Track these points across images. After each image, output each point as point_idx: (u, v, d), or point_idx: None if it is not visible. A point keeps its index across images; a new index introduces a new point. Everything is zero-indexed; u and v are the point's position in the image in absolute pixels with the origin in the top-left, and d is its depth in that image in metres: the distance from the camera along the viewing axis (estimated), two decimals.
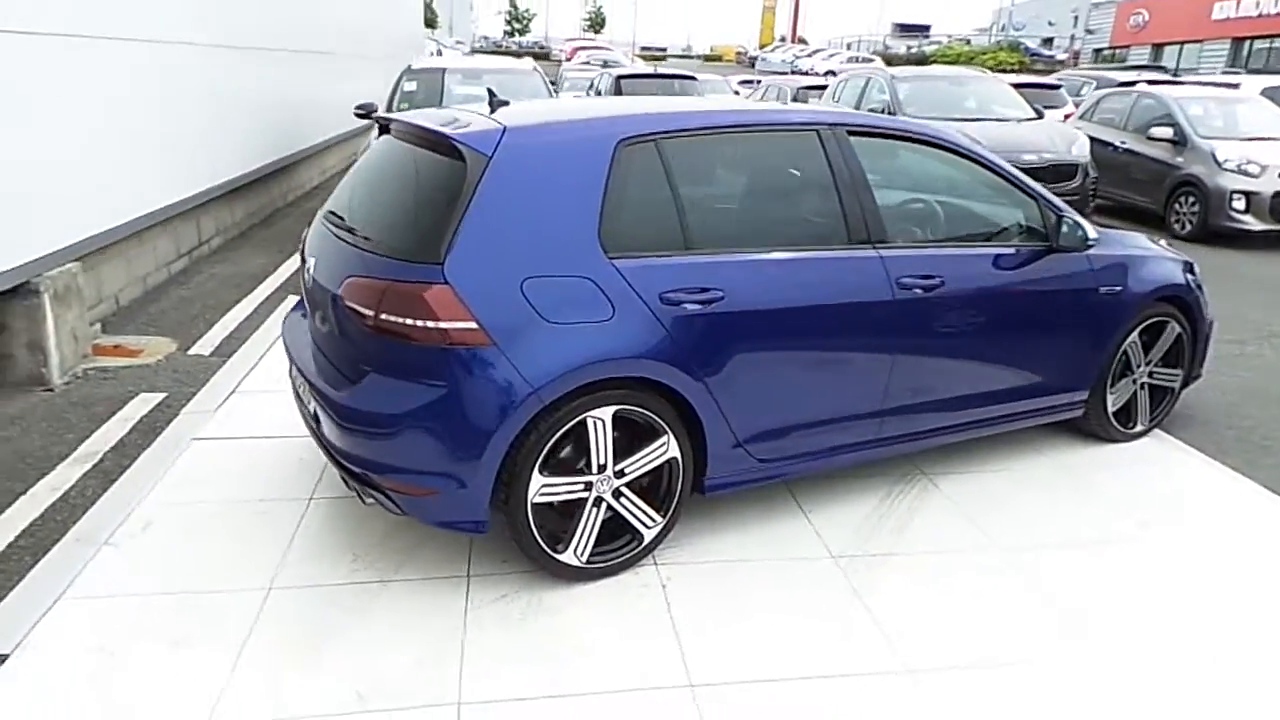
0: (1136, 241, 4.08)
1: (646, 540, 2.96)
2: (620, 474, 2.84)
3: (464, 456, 2.60)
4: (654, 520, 2.95)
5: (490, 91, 3.17)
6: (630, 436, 2.86)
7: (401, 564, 2.96)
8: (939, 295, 3.27)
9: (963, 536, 3.25)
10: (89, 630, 2.60)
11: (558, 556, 2.81)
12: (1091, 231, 3.63)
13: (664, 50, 68.48)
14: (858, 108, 9.67)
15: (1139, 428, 4.12)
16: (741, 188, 3.21)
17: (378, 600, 2.78)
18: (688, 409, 2.88)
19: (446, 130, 2.74)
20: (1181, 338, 4.08)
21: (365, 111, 6.85)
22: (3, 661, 2.46)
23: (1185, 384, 4.22)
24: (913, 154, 3.51)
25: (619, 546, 2.93)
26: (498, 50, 49.99)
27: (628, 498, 2.89)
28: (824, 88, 12.35)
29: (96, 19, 5.09)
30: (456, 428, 2.60)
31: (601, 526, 2.86)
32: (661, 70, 13.98)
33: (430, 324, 2.55)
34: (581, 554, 2.85)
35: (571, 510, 2.82)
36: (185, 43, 6.41)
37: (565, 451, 2.76)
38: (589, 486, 2.81)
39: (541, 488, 2.72)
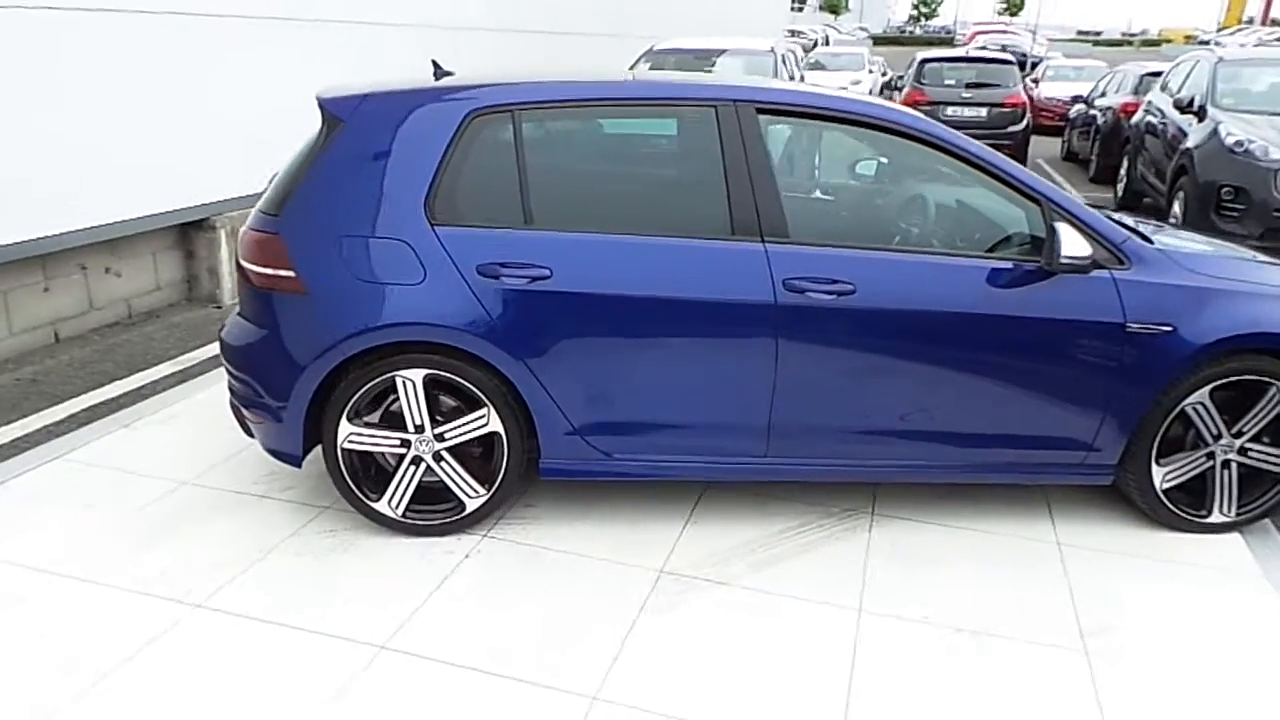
0: (1231, 267, 3.06)
1: (469, 509, 2.98)
2: (440, 438, 2.90)
3: (277, 394, 2.85)
4: (476, 491, 2.96)
5: (434, 63, 3.32)
6: (454, 403, 2.90)
7: (284, 485, 3.30)
8: (849, 305, 2.80)
9: (831, 588, 2.78)
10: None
11: (372, 504, 2.96)
12: (1132, 250, 2.84)
13: (1098, 34, 60.80)
14: (1177, 94, 8.05)
15: (1218, 517, 3.12)
16: (603, 165, 3.01)
17: (233, 509, 3.15)
18: (513, 386, 2.84)
19: (322, 96, 2.96)
20: None
21: None
22: None
23: None
24: (867, 140, 3.00)
25: (441, 510, 2.99)
26: (899, 37, 48.26)
27: (449, 463, 2.93)
28: None
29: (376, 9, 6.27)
30: (273, 367, 2.85)
31: (423, 487, 2.95)
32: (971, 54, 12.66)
33: (260, 269, 2.82)
34: (397, 507, 2.96)
35: (393, 463, 2.94)
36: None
37: (378, 406, 2.89)
38: (406, 444, 2.91)
39: (350, 435, 2.88)
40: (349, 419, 2.87)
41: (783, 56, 8.35)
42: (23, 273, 4.57)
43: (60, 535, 2.96)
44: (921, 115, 2.94)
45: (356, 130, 2.84)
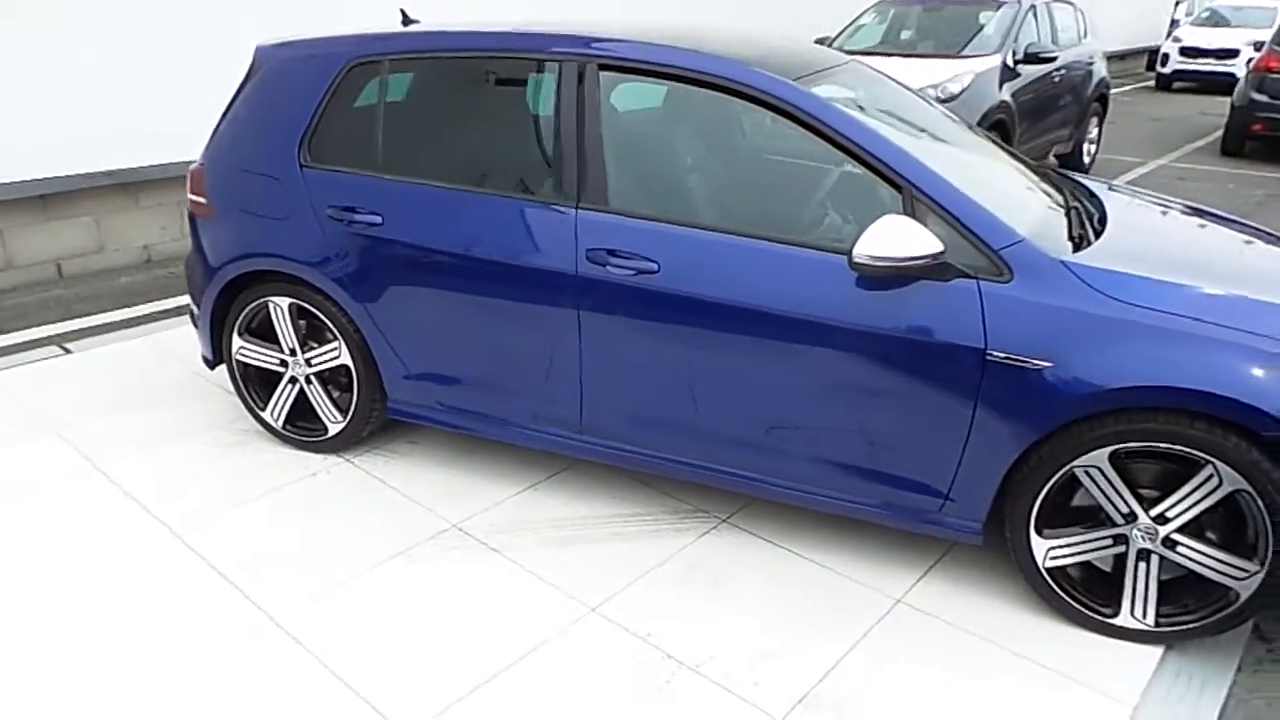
0: (1189, 299, 2.25)
1: (331, 433, 3.21)
2: (309, 363, 3.16)
3: (197, 304, 3.29)
4: (335, 416, 3.18)
5: (402, 11, 3.48)
6: (318, 333, 3.13)
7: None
8: (649, 285, 2.54)
9: (589, 581, 2.60)
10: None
11: (259, 411, 3.31)
12: (1026, 258, 2.25)
13: None
14: None
15: (1129, 620, 2.38)
16: (450, 115, 2.92)
17: (203, 399, 3.68)
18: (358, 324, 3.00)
19: (259, 44, 3.26)
20: (1249, 502, 2.17)
21: None
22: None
23: (1271, 592, 2.23)
24: (718, 104, 2.61)
25: (309, 428, 3.26)
26: None
27: (317, 388, 3.18)
28: None
29: None
30: (195, 281, 3.28)
31: (296, 406, 3.24)
32: None
33: (191, 195, 3.25)
34: (277, 418, 3.28)
35: (278, 379, 3.26)
36: None
37: (261, 324, 3.20)
38: (284, 364, 3.21)
39: (240, 348, 3.24)
40: (238, 333, 3.23)
41: (1035, 7, 7.21)
42: None
43: None
44: (788, 82, 2.51)
45: (266, 75, 3.12)
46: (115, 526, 2.85)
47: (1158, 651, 2.39)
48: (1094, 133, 8.48)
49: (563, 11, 4.01)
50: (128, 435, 3.40)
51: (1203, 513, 2.26)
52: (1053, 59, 7.04)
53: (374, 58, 2.95)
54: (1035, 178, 3.06)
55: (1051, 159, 7.77)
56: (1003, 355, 2.26)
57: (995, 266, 2.29)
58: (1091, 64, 8.11)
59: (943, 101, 6.23)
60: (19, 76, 4.79)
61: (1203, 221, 3.05)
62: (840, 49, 7.44)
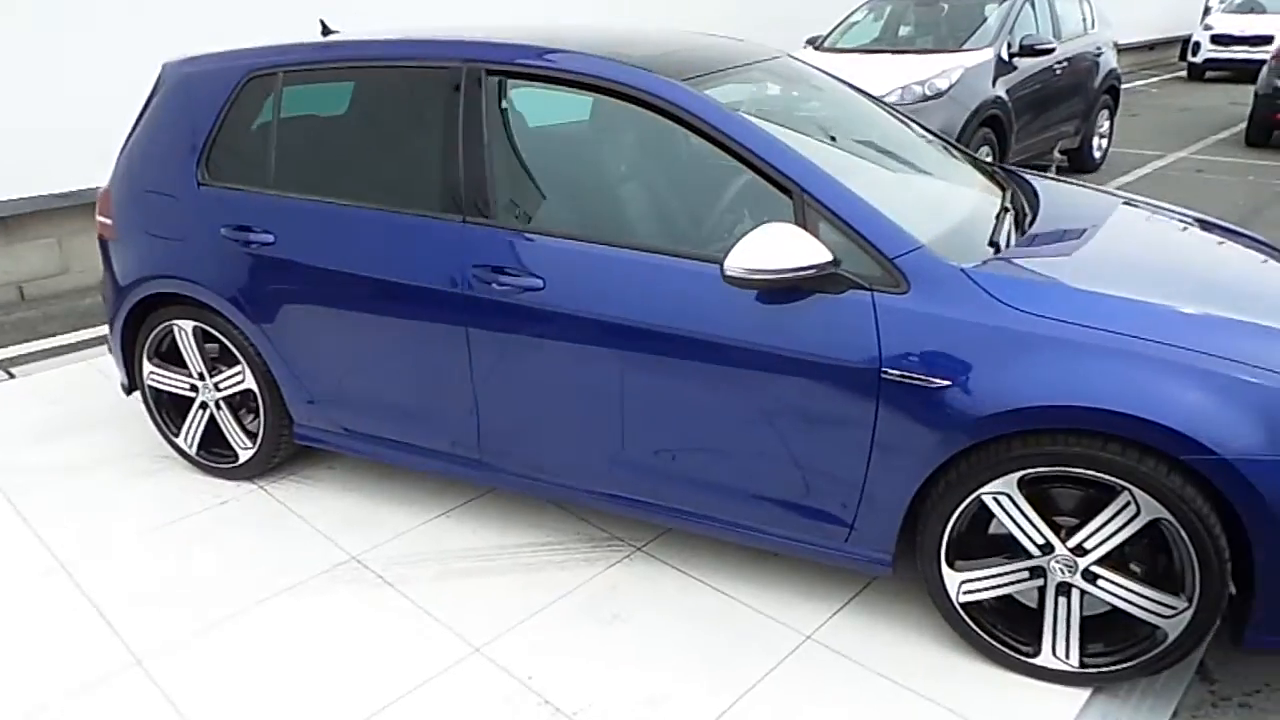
0: (1105, 310, 2.03)
1: (241, 459, 3.10)
2: (217, 387, 3.05)
3: (110, 327, 3.20)
4: (245, 443, 3.07)
5: (321, 22, 3.38)
6: (222, 356, 3.02)
7: None
8: (533, 304, 2.39)
9: (480, 617, 2.45)
10: None
11: (174, 439, 3.21)
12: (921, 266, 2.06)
13: None
14: None
15: (1051, 660, 2.17)
16: (341, 129, 2.78)
17: (120, 425, 3.60)
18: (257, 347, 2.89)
19: (165, 60, 3.17)
20: (1173, 533, 1.95)
21: None
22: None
23: (1197, 628, 2.00)
24: (610, 109, 2.44)
25: (222, 454, 3.15)
26: None
27: (226, 413, 3.08)
28: None
29: None
30: (107, 303, 3.20)
31: (209, 432, 3.14)
32: None
33: (98, 216, 3.17)
34: (191, 444, 3.18)
35: (190, 405, 3.16)
36: None
37: (170, 348, 3.10)
38: (195, 389, 3.11)
39: (150, 373, 3.15)
40: (148, 358, 3.14)
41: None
42: None
43: None
44: (673, 83, 2.33)
45: (167, 92, 3.03)
46: (1, 556, 2.77)
47: (1084, 694, 2.17)
48: (1104, 126, 8.15)
49: (520, 14, 3.89)
50: (48, 462, 3.32)
51: (1125, 544, 2.05)
52: (1051, 50, 6.75)
53: (269, 70, 2.84)
54: (980, 180, 2.86)
55: (1056, 154, 7.46)
56: (898, 373, 2.07)
57: (891, 276, 2.10)
58: (1100, 55, 7.79)
59: (929, 99, 6.01)
60: None
61: (1177, 228, 2.79)
62: (831, 48, 7.26)
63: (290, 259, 2.73)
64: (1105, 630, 2.15)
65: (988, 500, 2.10)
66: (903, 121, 3.11)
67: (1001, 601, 2.22)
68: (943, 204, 2.55)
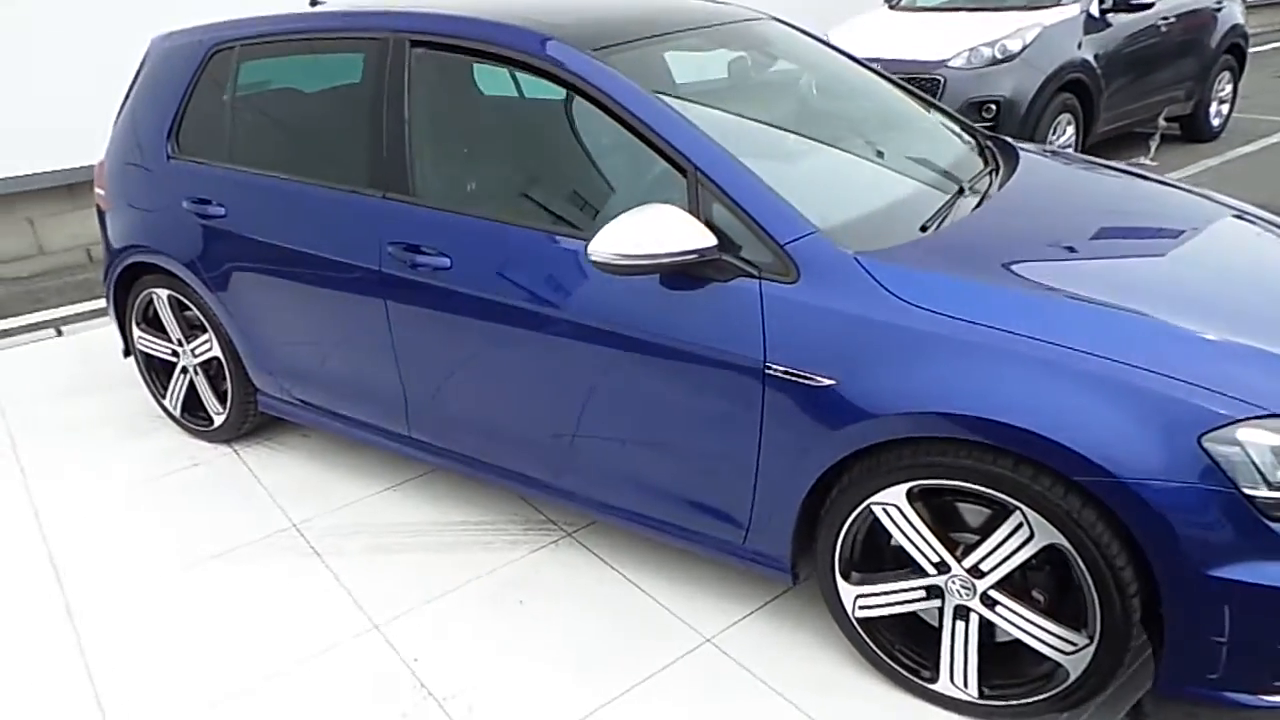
0: (1012, 305, 1.79)
1: (215, 424, 3.21)
2: (193, 353, 3.16)
3: (106, 295, 3.36)
4: (218, 408, 3.18)
5: None
6: (194, 323, 3.12)
7: None
8: (442, 284, 2.34)
9: (383, 594, 2.46)
10: None
11: (161, 399, 3.36)
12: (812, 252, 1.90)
13: None
14: None
15: (949, 688, 1.98)
16: (287, 102, 2.77)
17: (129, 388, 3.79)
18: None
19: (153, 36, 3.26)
20: (1073, 563, 1.73)
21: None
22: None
23: (1101, 668, 1.77)
24: (525, 81, 2.33)
25: (200, 417, 3.28)
26: None
27: (203, 378, 3.19)
28: None
29: None
30: (104, 270, 3.35)
31: (190, 395, 3.26)
32: None
33: (95, 188, 3.32)
34: (175, 406, 3.32)
35: (174, 369, 3.29)
36: None
37: (154, 315, 3.23)
38: (175, 354, 3.23)
39: (139, 338, 3.29)
40: (137, 324, 3.28)
41: None
42: None
43: None
44: (576, 51, 2.20)
45: (149, 66, 3.13)
46: None
47: None
48: (1225, 90, 7.34)
49: None
50: (60, 417, 3.54)
51: (1025, 570, 1.84)
52: (1151, 4, 6.11)
53: (229, 44, 2.89)
54: (958, 155, 2.60)
55: (1161, 122, 6.78)
56: (783, 369, 1.91)
57: (781, 263, 1.93)
58: (1219, 9, 6.99)
59: (999, 62, 5.55)
60: None
61: (1177, 218, 2.44)
62: (909, 7, 6.82)
63: (239, 232, 2.78)
64: (1009, 660, 1.94)
65: (877, 511, 1.92)
66: (902, 91, 2.88)
67: (904, 620, 2.05)
68: (884, 183, 2.34)
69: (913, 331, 1.80)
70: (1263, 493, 1.60)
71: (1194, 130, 7.21)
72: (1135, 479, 1.62)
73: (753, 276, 1.95)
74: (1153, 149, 6.83)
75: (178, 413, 3.33)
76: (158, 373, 3.36)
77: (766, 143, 2.37)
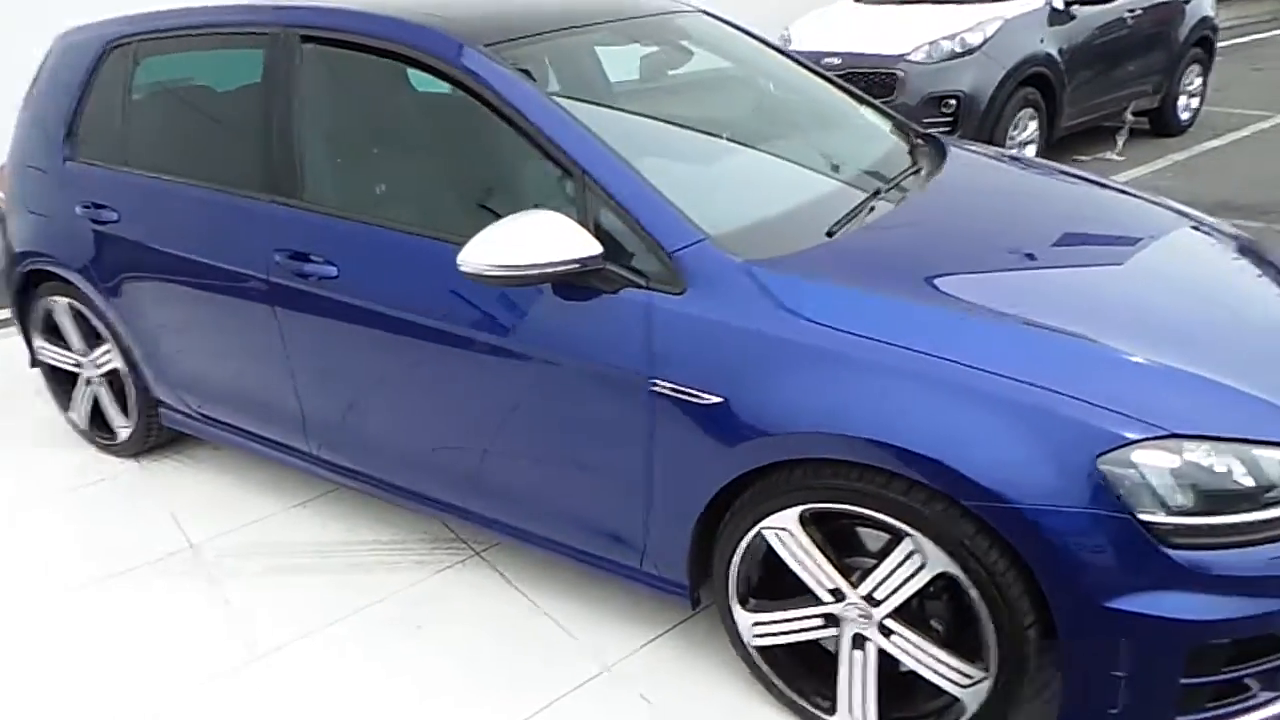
0: (914, 320, 1.68)
1: (120, 437, 3.09)
2: (95, 364, 3.03)
3: (9, 303, 3.23)
4: (123, 422, 3.05)
5: None
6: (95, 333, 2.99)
7: None
8: (333, 293, 2.21)
9: (280, 616, 2.35)
10: None
11: (69, 412, 3.23)
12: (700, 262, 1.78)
13: None
14: None
15: (852, 719, 1.87)
16: (180, 101, 2.64)
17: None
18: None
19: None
20: (968, 590, 1.62)
21: None
22: None
23: (999, 704, 1.66)
24: (421, 79, 2.20)
25: (106, 431, 3.14)
26: None
27: (106, 391, 3.06)
28: None
29: None
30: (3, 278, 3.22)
31: (95, 408, 3.13)
32: None
33: None
34: (83, 421, 3.19)
35: (76, 381, 3.16)
36: None
37: (55, 326, 3.10)
38: (79, 366, 3.10)
39: (39, 348, 3.18)
40: (39, 333, 3.15)
41: None
42: None
43: None
44: (466, 46, 2.07)
45: (50, 64, 2.99)
46: None
47: None
48: (1194, 84, 7.25)
49: None
50: None
51: (922, 599, 1.73)
52: None
53: (124, 40, 2.75)
54: (884, 152, 2.49)
55: (1128, 116, 6.68)
56: (669, 386, 1.80)
57: (669, 273, 1.82)
58: (1187, 1, 6.90)
59: (959, 56, 5.45)
60: None
61: (1108, 224, 2.33)
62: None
63: (132, 238, 2.65)
64: (910, 692, 1.83)
65: (769, 536, 1.81)
66: (834, 86, 2.77)
67: (804, 649, 1.94)
68: (796, 184, 2.22)
69: (800, 346, 1.69)
70: (1160, 518, 1.50)
71: (1162, 124, 7.11)
72: (1028, 504, 1.51)
73: (640, 287, 1.83)
74: (1120, 143, 6.75)
75: (84, 426, 3.20)
76: (62, 384, 3.23)
77: (669, 143, 2.25)
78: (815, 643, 1.91)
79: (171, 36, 2.65)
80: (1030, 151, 5.86)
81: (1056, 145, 6.51)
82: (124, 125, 2.73)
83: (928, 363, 1.61)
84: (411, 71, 2.18)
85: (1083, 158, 6.64)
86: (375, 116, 2.34)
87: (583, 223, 1.85)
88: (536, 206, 1.87)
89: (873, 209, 2.12)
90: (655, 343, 1.80)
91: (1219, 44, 7.71)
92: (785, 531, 1.79)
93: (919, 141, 2.66)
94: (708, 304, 1.77)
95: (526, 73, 2.05)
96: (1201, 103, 7.48)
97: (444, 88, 2.12)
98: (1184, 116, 7.24)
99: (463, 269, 1.81)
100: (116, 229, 2.67)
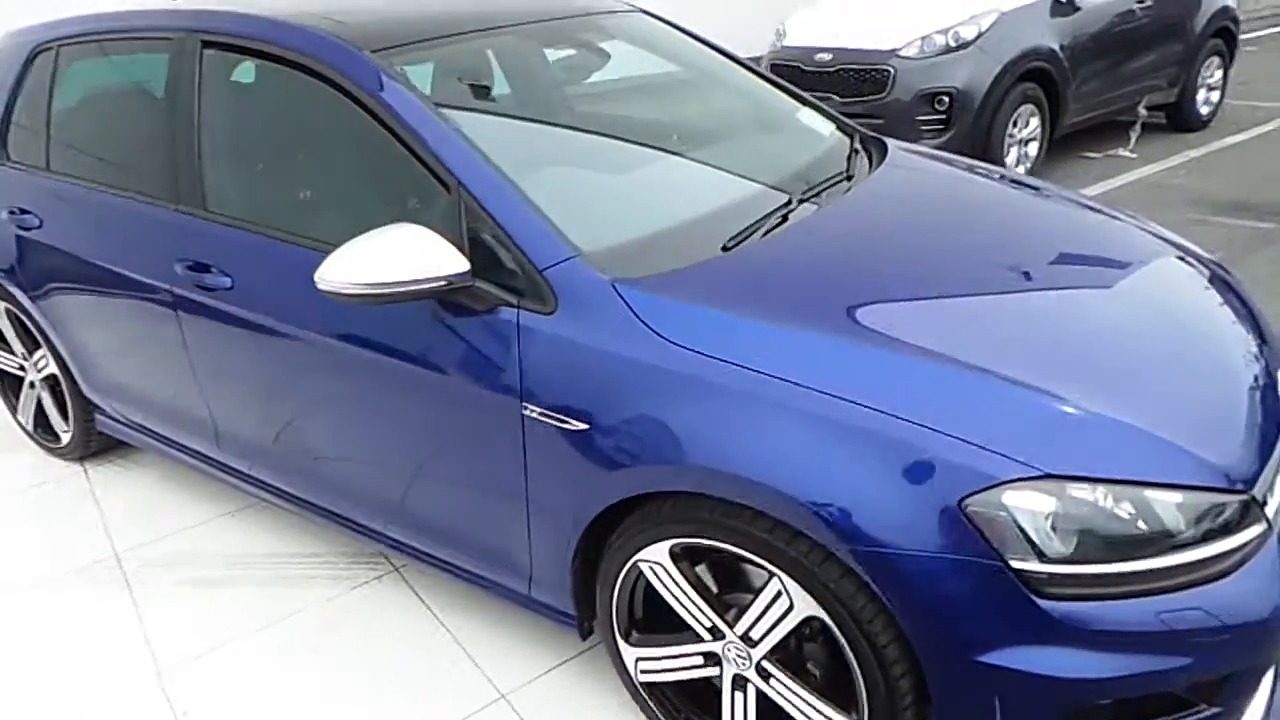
0: (793, 346, 1.57)
1: (63, 441, 3.07)
2: (37, 368, 3.02)
3: None
4: (64, 426, 3.04)
5: None
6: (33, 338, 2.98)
7: None
8: (227, 304, 2.16)
9: (197, 626, 2.31)
10: None
11: (15, 414, 3.23)
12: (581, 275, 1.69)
13: None
14: None
15: None
16: (99, 106, 2.59)
17: None
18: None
19: None
20: (836, 636, 1.52)
21: None
22: None
23: None
24: (316, 88, 2.12)
25: (50, 434, 3.13)
26: None
27: (46, 395, 3.05)
28: None
29: None
30: None
31: (39, 412, 3.12)
32: None
33: None
34: (29, 424, 3.19)
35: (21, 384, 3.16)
36: None
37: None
38: (22, 369, 3.09)
39: None
40: None
41: None
42: None
43: None
44: (351, 50, 2.00)
45: None
46: None
47: None
48: (1214, 76, 6.96)
49: None
50: None
51: (798, 641, 1.63)
52: None
53: (49, 44, 2.72)
54: (815, 156, 2.37)
55: (1142, 111, 6.43)
56: (538, 411, 1.71)
57: (539, 292, 1.73)
58: None
59: (953, 50, 5.26)
60: None
61: (1045, 234, 2.19)
62: None
63: (52, 244, 2.63)
64: None
65: (645, 569, 1.73)
66: (775, 87, 2.66)
67: (691, 686, 1.85)
68: (699, 194, 2.11)
69: (664, 371, 1.59)
70: (1034, 566, 1.38)
71: (1180, 119, 6.84)
72: (891, 548, 1.41)
73: (512, 306, 1.75)
74: (1133, 139, 6.50)
75: (30, 429, 3.20)
76: (10, 387, 3.23)
77: (567, 154, 2.16)
78: (707, 679, 1.82)
79: (91, 41, 2.62)
80: (1032, 149, 5.66)
81: (1066, 142, 6.30)
82: (46, 130, 2.71)
83: (793, 392, 1.50)
84: (303, 78, 2.10)
85: (1093, 154, 6.41)
86: (267, 125, 2.27)
87: (458, 238, 1.77)
88: (416, 221, 1.79)
89: (785, 219, 2.02)
90: (526, 365, 1.72)
91: (1245, 35, 7.41)
92: (659, 565, 1.70)
93: (858, 146, 2.53)
94: (575, 325, 1.69)
95: (408, 80, 1.97)
96: (1222, 96, 7.19)
97: (332, 94, 2.05)
98: (1203, 111, 6.97)
99: (320, 286, 1.74)
100: (39, 235, 2.65)
